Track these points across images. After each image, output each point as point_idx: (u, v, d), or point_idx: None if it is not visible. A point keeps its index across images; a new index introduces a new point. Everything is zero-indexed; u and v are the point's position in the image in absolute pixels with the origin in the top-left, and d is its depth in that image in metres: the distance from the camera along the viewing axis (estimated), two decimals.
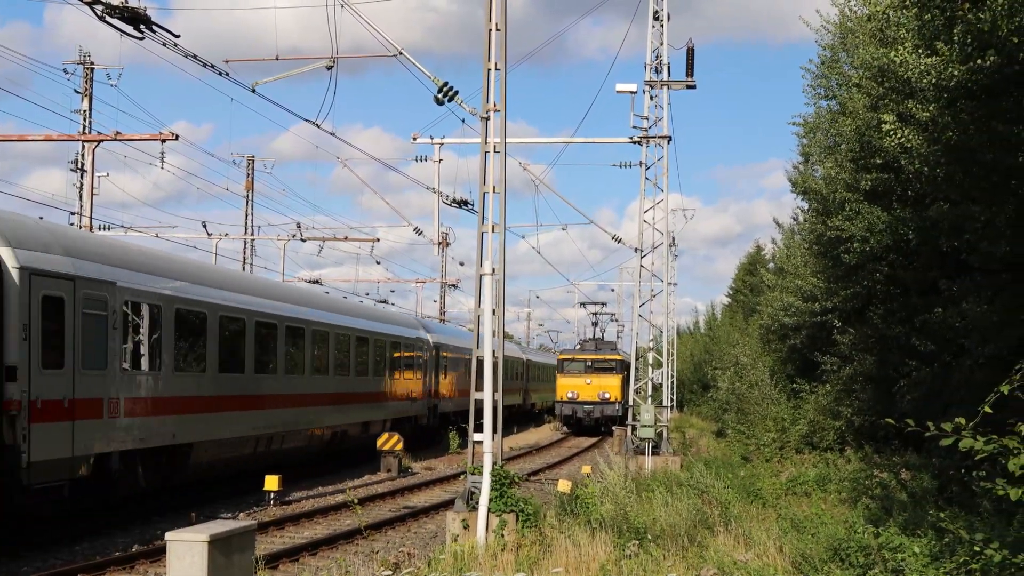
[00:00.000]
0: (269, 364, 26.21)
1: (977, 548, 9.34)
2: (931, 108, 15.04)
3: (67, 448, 17.50)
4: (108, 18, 15.43)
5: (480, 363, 17.21)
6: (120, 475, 19.52)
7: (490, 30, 17.44)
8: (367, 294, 62.70)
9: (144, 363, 20.42)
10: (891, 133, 16.01)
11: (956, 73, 13.07)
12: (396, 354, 37.03)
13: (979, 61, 12.39)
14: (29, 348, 16.51)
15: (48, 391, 17.00)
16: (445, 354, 43.98)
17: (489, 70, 17.49)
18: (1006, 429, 8.05)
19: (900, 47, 14.92)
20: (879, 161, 19.34)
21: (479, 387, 17.12)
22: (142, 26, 15.57)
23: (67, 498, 17.86)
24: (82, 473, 18.06)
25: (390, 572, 10.18)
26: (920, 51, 14.36)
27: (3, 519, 16.71)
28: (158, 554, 16.35)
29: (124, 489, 19.94)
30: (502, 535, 15.41)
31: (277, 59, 25.83)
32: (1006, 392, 7.91)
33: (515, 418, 62.07)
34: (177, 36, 16.19)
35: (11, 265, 16.33)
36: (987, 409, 7.84)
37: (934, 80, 13.87)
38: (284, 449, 27.34)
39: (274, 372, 26.44)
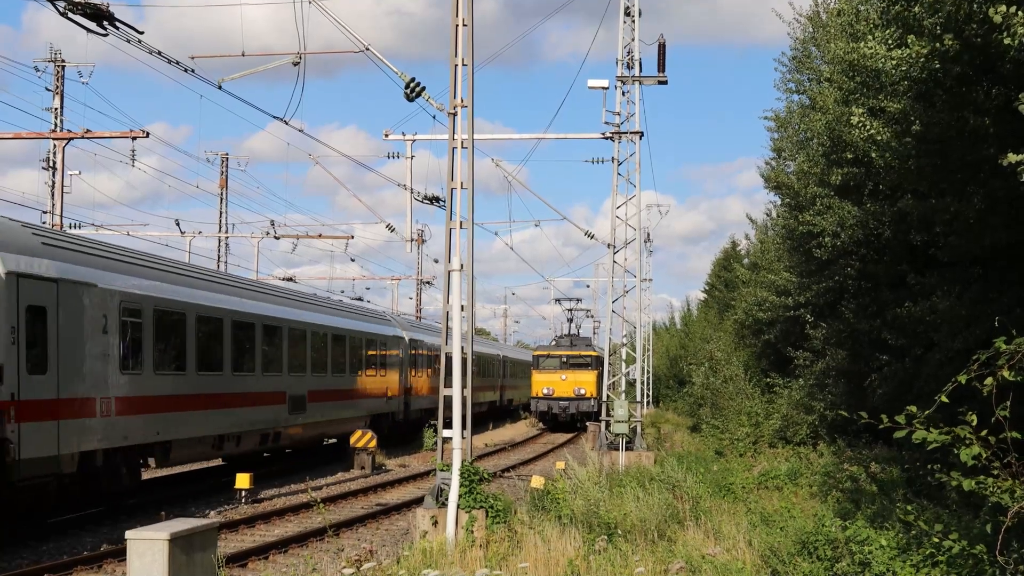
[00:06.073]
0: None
1: (936, 539, 9.33)
2: (902, 101, 15.01)
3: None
4: (71, 14, 15.26)
5: (449, 359, 17.11)
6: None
7: (457, 26, 17.35)
8: (343, 292, 62.66)
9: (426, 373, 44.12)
10: (860, 126, 16.00)
11: (923, 51, 12.95)
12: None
13: (938, 45, 12.33)
14: (412, 368, 40.93)
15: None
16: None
17: (456, 66, 17.38)
18: (957, 419, 8.02)
19: (869, 37, 14.90)
20: (849, 156, 19.33)
21: (448, 383, 17.03)
22: (105, 22, 15.40)
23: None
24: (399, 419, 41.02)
25: (352, 570, 10.10)
26: (890, 42, 14.32)
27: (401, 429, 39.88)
28: (126, 554, 16.21)
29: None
30: (471, 531, 15.36)
31: (243, 55, 25.61)
32: (963, 382, 7.87)
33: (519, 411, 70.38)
34: (141, 32, 16.04)
35: (406, 338, 40.18)
36: (943, 399, 7.81)
37: (904, 69, 13.83)
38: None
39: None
